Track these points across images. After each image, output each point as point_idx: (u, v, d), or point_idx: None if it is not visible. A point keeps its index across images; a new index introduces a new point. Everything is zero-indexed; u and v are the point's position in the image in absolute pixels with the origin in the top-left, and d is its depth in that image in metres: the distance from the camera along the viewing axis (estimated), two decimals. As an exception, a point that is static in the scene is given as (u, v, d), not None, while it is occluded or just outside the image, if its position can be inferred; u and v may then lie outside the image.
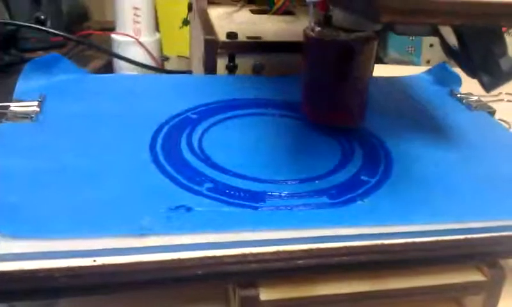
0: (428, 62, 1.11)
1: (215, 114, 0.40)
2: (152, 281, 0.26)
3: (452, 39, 0.36)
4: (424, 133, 0.41)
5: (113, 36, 0.67)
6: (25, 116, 0.37)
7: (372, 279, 0.30)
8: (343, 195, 0.32)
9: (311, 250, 0.28)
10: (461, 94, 0.48)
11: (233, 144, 0.37)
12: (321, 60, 0.37)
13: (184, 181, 0.31)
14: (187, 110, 0.40)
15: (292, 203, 0.30)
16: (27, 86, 0.41)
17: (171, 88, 0.45)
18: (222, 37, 0.47)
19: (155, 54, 0.68)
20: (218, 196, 0.30)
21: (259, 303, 0.28)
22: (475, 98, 0.47)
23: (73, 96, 0.41)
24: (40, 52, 0.70)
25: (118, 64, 0.68)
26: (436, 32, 0.38)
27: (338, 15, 0.36)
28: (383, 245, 0.29)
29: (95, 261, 0.25)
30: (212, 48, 0.46)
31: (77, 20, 0.81)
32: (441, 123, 0.43)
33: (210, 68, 0.47)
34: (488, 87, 0.35)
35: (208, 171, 0.33)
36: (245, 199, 0.30)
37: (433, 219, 0.30)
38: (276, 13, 0.57)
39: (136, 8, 0.65)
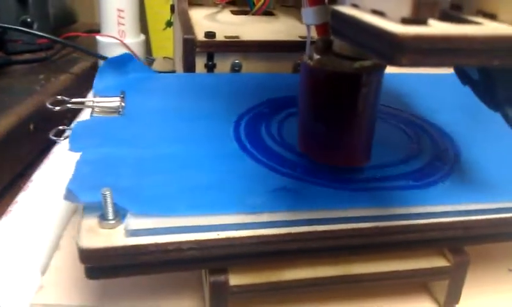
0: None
1: (285, 107, 0.43)
2: (268, 253, 0.29)
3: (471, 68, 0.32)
4: (480, 122, 0.43)
5: (98, 37, 0.68)
6: (112, 110, 0.39)
7: (338, 264, 0.31)
8: (425, 178, 0.34)
9: (408, 226, 0.30)
10: None
11: None
12: (321, 93, 0.32)
13: (276, 166, 0.34)
14: (258, 105, 0.43)
15: (380, 185, 0.33)
16: (104, 83, 0.44)
17: (236, 85, 0.47)
18: (201, 36, 0.49)
19: (140, 55, 0.69)
20: (312, 179, 0.33)
21: (228, 288, 0.30)
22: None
23: (148, 92, 0.44)
24: (27, 55, 0.71)
25: (104, 65, 0.69)
26: None
27: (339, 41, 0.30)
28: (469, 221, 0.31)
29: (218, 234, 0.28)
30: (191, 47, 0.47)
31: (64, 22, 0.82)
32: (490, 114, 0.44)
33: (189, 67, 0.48)
34: None
35: (295, 158, 0.35)
36: (337, 182, 0.32)
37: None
38: (255, 13, 0.58)
39: (120, 10, 0.66)
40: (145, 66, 0.48)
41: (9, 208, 0.39)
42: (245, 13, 0.59)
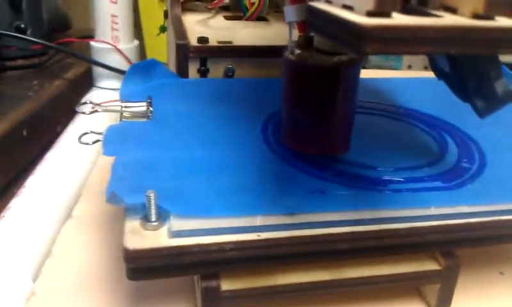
0: (409, 67, 1.12)
1: None
2: (306, 254, 0.30)
3: (443, 61, 0.34)
4: (498, 124, 0.44)
5: (92, 43, 0.68)
6: (140, 115, 0.40)
7: (331, 268, 0.32)
8: (453, 180, 0.35)
9: (440, 226, 0.31)
10: None
11: None
12: (301, 85, 0.33)
13: (309, 169, 0.35)
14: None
15: (411, 186, 0.33)
16: (130, 89, 0.45)
17: (258, 89, 0.47)
18: (193, 42, 0.49)
19: (134, 60, 0.69)
20: (343, 181, 0.33)
21: (220, 293, 0.30)
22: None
23: (174, 97, 0.44)
24: (21, 60, 0.71)
25: (98, 71, 0.69)
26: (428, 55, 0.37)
27: (319, 37, 0.32)
28: (500, 221, 0.32)
29: (259, 235, 0.29)
30: (184, 52, 0.47)
31: (59, 28, 0.82)
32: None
33: (182, 72, 0.48)
34: (482, 113, 0.34)
35: (325, 161, 0.36)
36: (368, 183, 0.33)
37: None
38: (249, 19, 0.58)
39: (114, 16, 0.66)
40: (170, 71, 0.48)
41: (2, 214, 0.39)
42: (238, 18, 0.59)
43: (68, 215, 0.43)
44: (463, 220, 0.32)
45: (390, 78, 0.55)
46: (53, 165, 0.48)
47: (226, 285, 0.30)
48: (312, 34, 0.33)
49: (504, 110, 0.44)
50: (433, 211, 0.31)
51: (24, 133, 0.55)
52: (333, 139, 0.35)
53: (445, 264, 0.33)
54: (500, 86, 0.32)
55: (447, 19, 0.22)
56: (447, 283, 0.33)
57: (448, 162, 0.37)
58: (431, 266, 0.33)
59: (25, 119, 0.55)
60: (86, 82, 0.71)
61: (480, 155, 0.39)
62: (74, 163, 0.50)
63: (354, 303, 0.34)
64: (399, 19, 0.20)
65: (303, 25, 0.33)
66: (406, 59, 1.17)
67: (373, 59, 1.43)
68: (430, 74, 0.39)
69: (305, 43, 0.33)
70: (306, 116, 0.34)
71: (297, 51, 0.33)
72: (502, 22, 0.22)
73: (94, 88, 0.70)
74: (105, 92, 0.68)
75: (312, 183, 0.33)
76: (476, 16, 0.22)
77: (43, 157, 0.50)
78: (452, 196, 0.33)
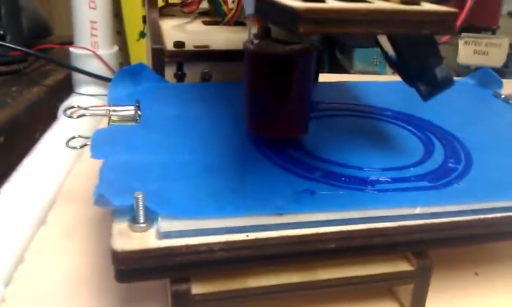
0: (394, 73, 1.13)
1: None
2: (294, 253, 0.30)
3: (391, 50, 0.37)
4: (484, 126, 0.46)
5: (71, 49, 0.68)
6: (128, 118, 0.40)
7: (302, 270, 0.32)
8: (440, 179, 0.35)
9: (428, 224, 0.31)
10: (504, 95, 0.53)
11: (324, 139, 0.40)
12: (259, 73, 0.37)
13: (297, 170, 0.35)
14: None
15: (398, 186, 0.34)
16: (118, 93, 0.45)
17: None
18: (170, 46, 0.49)
19: (114, 66, 0.69)
20: (331, 182, 0.34)
21: (191, 296, 0.29)
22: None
23: (162, 100, 0.45)
24: (1, 67, 0.71)
25: (77, 77, 0.69)
26: (377, 44, 0.39)
27: (276, 28, 0.35)
28: (485, 219, 0.32)
29: (248, 236, 0.29)
30: (160, 56, 0.47)
31: (39, 34, 0.82)
32: (496, 119, 0.48)
33: (158, 77, 0.48)
34: (425, 96, 0.37)
35: (313, 162, 0.36)
36: (355, 184, 0.34)
37: None
38: (227, 24, 0.58)
39: (93, 22, 0.66)
40: (157, 75, 0.48)
41: (-25, 221, 0.39)
42: (217, 23, 0.59)
43: (42, 221, 0.42)
44: (450, 219, 0.32)
45: (376, 82, 0.56)
46: (29, 172, 0.48)
47: (197, 289, 0.30)
48: (270, 25, 0.36)
49: (486, 110, 0.45)
50: (419, 210, 0.32)
51: (1, 140, 0.54)
52: (290, 122, 0.38)
53: (417, 265, 0.33)
54: (440, 72, 0.35)
55: (376, 4, 0.24)
56: (420, 283, 0.33)
57: (434, 162, 0.38)
58: (404, 267, 0.33)
59: (3, 125, 0.55)
60: (66, 89, 0.71)
61: (466, 155, 0.39)
62: (50, 169, 0.49)
63: (328, 305, 0.34)
64: (331, 3, 0.23)
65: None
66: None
67: (357, 64, 1.44)
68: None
69: (263, 33, 0.36)
70: (264, 101, 0.37)
71: (256, 41, 0.35)
72: (425, 6, 0.25)
73: (74, 94, 0.70)
74: (85, 98, 0.68)
75: (301, 184, 0.33)
76: (404, 2, 0.25)
77: (20, 164, 0.49)
78: (438, 195, 0.33)
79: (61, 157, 0.51)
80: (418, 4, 0.25)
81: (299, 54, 0.35)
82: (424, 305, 0.34)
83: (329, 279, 0.32)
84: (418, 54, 0.35)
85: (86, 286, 0.35)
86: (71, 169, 0.51)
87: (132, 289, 0.35)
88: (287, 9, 0.22)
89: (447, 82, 0.36)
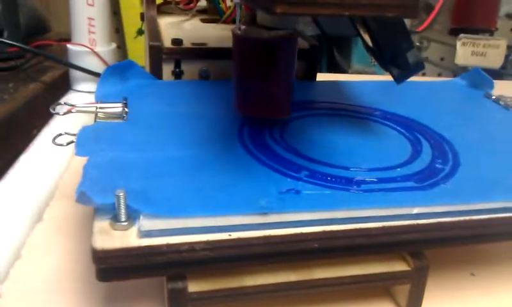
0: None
1: None
2: (277, 253, 0.30)
3: (368, 38, 0.38)
4: (474, 126, 0.46)
5: (69, 46, 0.68)
6: (116, 116, 0.40)
7: (299, 269, 0.32)
8: (427, 180, 0.35)
9: (413, 225, 0.31)
10: (495, 96, 0.53)
11: (312, 138, 0.40)
12: (245, 57, 0.39)
13: (283, 170, 0.35)
14: None
15: (384, 186, 0.34)
16: (106, 90, 0.45)
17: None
18: (168, 44, 0.49)
19: (111, 63, 0.68)
20: (317, 181, 0.34)
21: (187, 294, 0.29)
22: (510, 97, 0.53)
23: (150, 98, 0.45)
24: (-2, 63, 0.71)
25: (75, 74, 0.69)
26: (357, 32, 0.40)
27: (263, 14, 0.37)
28: (470, 220, 0.33)
29: (230, 235, 0.29)
30: (157, 54, 0.47)
31: (36, 31, 0.82)
32: (486, 120, 0.48)
33: (156, 74, 0.48)
34: (398, 80, 0.39)
35: (300, 161, 0.36)
36: (341, 183, 0.34)
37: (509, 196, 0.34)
38: (225, 21, 0.58)
39: (91, 19, 0.66)
40: (146, 72, 0.48)
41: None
42: (215, 21, 0.59)
43: (39, 218, 0.42)
44: (436, 219, 0.32)
45: (367, 81, 0.56)
46: (26, 168, 0.48)
47: (193, 287, 0.29)
48: (256, 12, 0.37)
49: (476, 110, 0.45)
50: (405, 210, 0.32)
51: (-2, 136, 0.54)
52: (274, 103, 0.40)
53: (414, 265, 0.33)
54: (411, 56, 0.37)
55: None
56: (416, 283, 0.33)
57: (421, 162, 0.38)
58: (400, 267, 0.33)
59: (0, 122, 0.55)
60: (63, 85, 0.70)
61: (453, 156, 0.39)
62: (47, 166, 0.49)
63: (324, 304, 0.34)
64: None
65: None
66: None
67: (355, 65, 1.44)
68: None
69: (249, 19, 0.38)
70: (250, 83, 0.39)
71: (243, 27, 0.38)
72: None
73: (71, 91, 0.70)
74: (82, 95, 0.68)
75: (286, 184, 0.33)
76: None
77: (16, 160, 0.49)
78: (424, 196, 0.33)
79: (58, 154, 0.51)
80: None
81: (282, 40, 0.37)
82: (421, 305, 0.34)
83: (325, 279, 0.32)
84: (391, 40, 0.37)
85: (82, 283, 0.35)
86: (68, 166, 0.51)
87: (127, 287, 0.34)
88: None
89: (418, 66, 0.38)
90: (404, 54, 0.37)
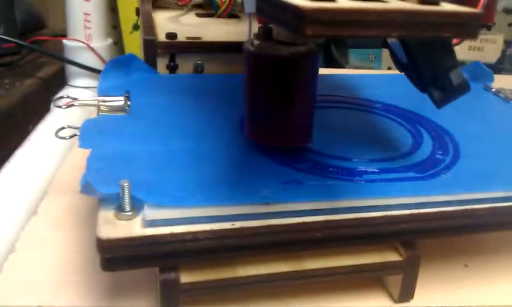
0: (389, 68, 1.13)
1: None
2: (280, 243, 0.30)
3: (402, 52, 0.34)
4: (474, 119, 0.46)
5: (65, 41, 0.68)
6: (118, 109, 0.40)
7: (291, 259, 0.32)
8: (427, 170, 0.35)
9: (415, 214, 0.32)
10: (495, 88, 0.54)
11: (314, 130, 0.39)
12: (261, 76, 0.33)
13: (285, 160, 0.35)
14: None
15: (385, 176, 0.34)
16: (108, 84, 0.45)
17: (235, 84, 0.46)
18: (162, 38, 0.49)
19: (107, 58, 0.69)
20: (319, 172, 0.34)
21: (179, 285, 0.29)
22: (510, 90, 0.53)
23: (152, 91, 0.45)
24: (-6, 59, 0.71)
25: (71, 69, 0.69)
26: (386, 45, 0.37)
27: (278, 28, 0.32)
28: (472, 209, 0.33)
29: (233, 224, 0.29)
30: (152, 48, 0.47)
31: (33, 27, 0.82)
32: (486, 112, 0.49)
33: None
34: (439, 103, 0.34)
35: (302, 152, 0.36)
36: (343, 174, 0.34)
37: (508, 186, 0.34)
38: (220, 16, 0.58)
39: (87, 14, 0.66)
40: (148, 66, 0.48)
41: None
42: (210, 15, 0.59)
43: (34, 211, 0.42)
44: (437, 209, 0.32)
45: (367, 75, 0.56)
46: (21, 163, 0.48)
47: (185, 277, 0.30)
48: (271, 25, 0.33)
49: (477, 103, 0.45)
50: (407, 200, 0.32)
51: (-6, 131, 0.54)
52: (293, 129, 0.35)
53: (406, 255, 0.33)
54: (455, 77, 0.33)
55: (392, 4, 0.22)
56: (408, 274, 0.33)
57: (422, 153, 0.38)
58: (392, 257, 0.33)
59: (-5, 117, 0.55)
60: (59, 81, 0.71)
61: (454, 147, 0.39)
62: (42, 160, 0.49)
63: (317, 295, 0.34)
64: (341, 3, 0.21)
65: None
66: (386, 60, 1.18)
67: (353, 60, 1.44)
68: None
69: (264, 34, 0.33)
70: (265, 106, 0.34)
71: (256, 42, 0.33)
72: (445, 7, 0.23)
73: (67, 87, 0.70)
74: (78, 90, 0.68)
75: (289, 174, 0.33)
76: (422, 1, 0.23)
77: (12, 155, 0.49)
78: (425, 186, 0.33)
79: (53, 149, 0.51)
80: (437, 4, 0.23)
81: (304, 57, 0.32)
82: (413, 295, 0.34)
83: (317, 269, 0.32)
84: (431, 58, 0.32)
85: (77, 276, 0.35)
86: (63, 161, 0.51)
87: (121, 278, 0.35)
88: (291, 9, 0.20)
89: (463, 88, 0.33)
90: (447, 74, 0.33)
